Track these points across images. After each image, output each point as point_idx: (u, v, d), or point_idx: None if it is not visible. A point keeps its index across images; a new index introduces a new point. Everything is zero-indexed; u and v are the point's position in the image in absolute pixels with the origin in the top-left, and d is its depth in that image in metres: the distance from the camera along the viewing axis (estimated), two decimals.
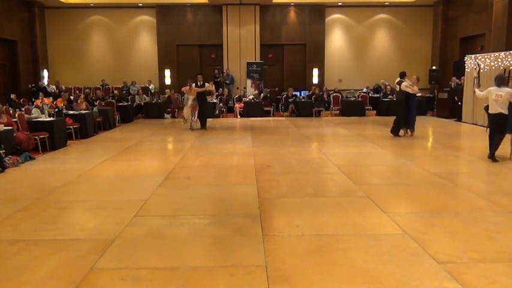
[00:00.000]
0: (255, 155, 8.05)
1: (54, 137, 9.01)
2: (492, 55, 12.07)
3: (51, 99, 13.68)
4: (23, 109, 10.38)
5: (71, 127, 10.31)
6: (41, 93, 14.37)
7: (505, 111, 7.28)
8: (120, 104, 14.58)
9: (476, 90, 8.80)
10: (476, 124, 12.29)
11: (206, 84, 12.55)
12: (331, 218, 4.46)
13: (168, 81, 18.37)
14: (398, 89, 10.23)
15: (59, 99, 12.90)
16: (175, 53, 18.52)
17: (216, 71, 17.88)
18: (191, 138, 10.45)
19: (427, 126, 12.65)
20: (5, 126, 7.85)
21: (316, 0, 18.01)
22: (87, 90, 15.97)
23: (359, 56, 18.96)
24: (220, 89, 17.11)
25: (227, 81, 17.68)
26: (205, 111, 12.24)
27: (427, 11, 18.40)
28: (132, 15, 18.50)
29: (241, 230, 4.12)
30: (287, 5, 18.32)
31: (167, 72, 18.37)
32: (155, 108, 15.73)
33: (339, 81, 18.71)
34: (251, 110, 15.61)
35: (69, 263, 3.44)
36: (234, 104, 16.30)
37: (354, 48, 18.97)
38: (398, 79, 10.38)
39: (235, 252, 3.62)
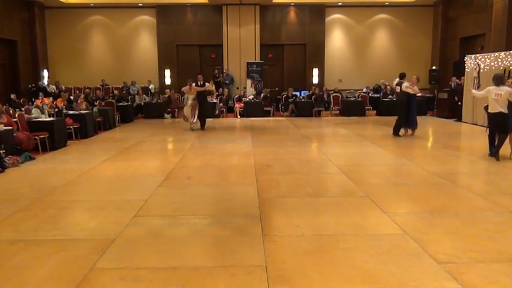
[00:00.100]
0: (255, 155, 8.05)
1: (54, 137, 9.01)
2: (492, 55, 12.07)
3: (51, 99, 13.68)
4: (23, 109, 10.38)
5: (71, 127, 10.31)
6: (41, 93, 14.37)
7: (505, 110, 7.35)
8: (120, 104, 14.58)
9: (473, 90, 8.87)
10: (476, 124, 12.29)
11: (206, 83, 12.54)
12: (331, 218, 4.46)
13: (168, 81, 18.37)
14: (399, 90, 10.26)
15: (59, 99, 12.91)
16: (175, 53, 18.52)
17: (216, 71, 17.87)
18: (191, 138, 10.45)
19: (427, 126, 12.65)
20: (5, 126, 7.85)
21: (316, 0, 18.01)
22: (87, 90, 15.97)
23: (359, 56, 18.96)
24: (220, 89, 17.10)
25: (227, 81, 17.68)
26: (205, 112, 12.21)
27: (427, 11, 18.40)
28: (132, 15, 18.50)
29: (241, 230, 4.12)
30: (287, 5, 18.32)
31: (167, 72, 18.37)
32: (155, 108, 15.73)
33: (339, 81, 18.71)
34: (251, 110, 15.61)
35: (69, 263, 3.44)
36: (234, 104, 16.30)
37: (354, 48, 18.97)
38: (398, 80, 10.47)
39: (235, 252, 3.62)
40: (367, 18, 18.80)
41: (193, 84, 11.84)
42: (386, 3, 18.31)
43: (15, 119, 8.68)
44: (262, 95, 16.51)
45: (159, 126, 13.37)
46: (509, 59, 11.38)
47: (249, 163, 7.32)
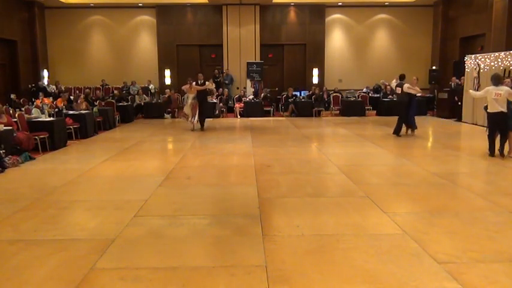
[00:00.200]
0: (255, 155, 8.05)
1: (54, 137, 9.01)
2: (492, 55, 12.07)
3: (51, 99, 13.68)
4: (23, 109, 10.38)
5: (71, 127, 10.32)
6: (41, 93, 14.37)
7: (505, 110, 7.41)
8: (120, 104, 14.58)
9: (470, 91, 8.92)
10: (476, 124, 12.29)
11: (206, 82, 12.49)
12: (331, 218, 4.46)
13: (168, 81, 18.36)
14: (400, 91, 10.33)
15: (59, 99, 12.91)
16: (175, 53, 18.52)
17: (216, 71, 17.86)
18: (191, 138, 10.45)
19: (427, 126, 12.65)
20: (5, 126, 7.85)
21: (316, 0, 18.01)
22: (87, 90, 15.97)
23: (359, 56, 18.96)
24: (220, 89, 17.10)
25: (226, 81, 17.67)
26: (205, 111, 12.18)
27: (427, 11, 18.40)
28: (132, 15, 18.49)
29: (241, 230, 4.12)
30: (287, 5, 18.32)
31: (167, 72, 18.37)
32: (155, 108, 15.74)
33: (339, 81, 18.71)
34: (251, 110, 15.61)
35: (69, 263, 3.44)
36: (234, 104, 16.30)
37: (354, 48, 18.97)
38: (398, 81, 10.60)
39: (235, 252, 3.62)
40: (367, 18, 18.79)
41: (194, 83, 11.79)
42: (386, 3, 18.31)
43: (15, 119, 8.68)
44: (262, 95, 16.49)
45: (159, 126, 13.37)
46: (509, 59, 11.38)
47: (249, 163, 7.32)
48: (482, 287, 3.00)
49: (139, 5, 18.09)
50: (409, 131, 10.46)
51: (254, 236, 3.96)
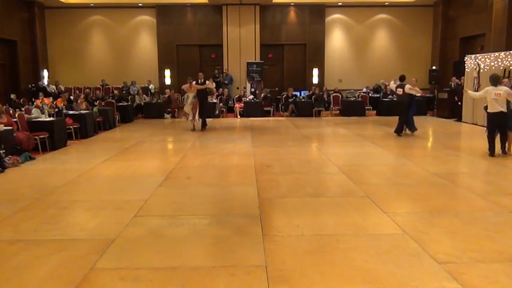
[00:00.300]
0: (255, 155, 8.05)
1: (54, 137, 9.01)
2: (492, 55, 12.07)
3: (51, 99, 13.69)
4: (23, 109, 10.38)
5: (71, 127, 10.31)
6: (41, 93, 14.37)
7: (505, 110, 7.49)
8: (120, 104, 14.58)
9: (469, 91, 8.96)
10: (476, 124, 12.29)
11: (207, 81, 12.45)
12: (331, 218, 4.46)
13: (168, 81, 18.36)
14: (401, 92, 10.40)
15: (59, 99, 12.91)
16: (175, 53, 18.52)
17: (216, 71, 17.86)
18: (191, 138, 10.45)
19: (427, 126, 12.65)
20: (5, 126, 7.85)
21: (316, 0, 18.01)
22: (87, 90, 15.98)
23: (359, 56, 18.96)
24: (220, 89, 17.10)
25: (225, 82, 17.66)
26: (205, 111, 12.14)
27: (427, 11, 18.40)
28: (132, 15, 18.49)
29: (241, 230, 4.12)
30: (287, 5, 18.32)
31: (167, 72, 18.37)
32: (155, 108, 15.74)
33: (339, 81, 18.71)
34: (251, 110, 15.61)
35: (69, 263, 3.44)
36: (234, 104, 16.30)
37: (354, 48, 18.97)
38: (398, 82, 10.69)
39: (235, 252, 3.62)
40: (367, 18, 18.79)
41: (194, 82, 11.75)
42: (386, 3, 18.31)
43: (15, 119, 8.68)
44: (261, 95, 16.48)
45: (159, 126, 13.37)
46: (509, 59, 11.38)
47: (249, 163, 7.32)
48: (482, 287, 3.00)
49: (139, 5, 18.09)
50: (408, 131, 10.55)
51: (254, 236, 3.96)
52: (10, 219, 4.56)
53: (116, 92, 16.23)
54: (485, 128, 8.05)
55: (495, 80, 7.62)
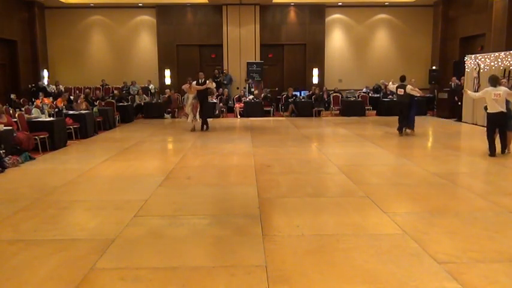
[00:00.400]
0: (255, 155, 8.05)
1: (54, 137, 9.01)
2: (492, 55, 12.07)
3: (51, 99, 13.68)
4: (23, 109, 10.38)
5: (71, 127, 10.32)
6: (41, 93, 14.37)
7: (505, 110, 7.57)
8: (120, 104, 14.58)
9: (469, 92, 9.02)
10: (476, 124, 12.29)
11: (207, 81, 12.39)
12: (331, 218, 4.46)
13: (168, 81, 18.36)
14: (403, 93, 10.47)
15: (59, 99, 12.90)
16: (175, 53, 18.52)
17: (216, 71, 17.86)
18: (191, 138, 10.45)
19: (427, 126, 12.65)
20: (5, 126, 7.85)
21: (316, 0, 18.01)
22: (87, 90, 15.98)
23: (359, 56, 18.96)
24: (221, 89, 17.10)
25: (225, 82, 17.66)
26: (206, 111, 12.10)
27: (427, 11, 18.40)
28: (132, 15, 18.49)
29: (241, 230, 4.12)
30: (287, 5, 18.32)
31: (167, 72, 18.37)
32: (155, 108, 15.74)
33: (339, 81, 18.71)
34: (251, 110, 15.61)
35: (69, 263, 3.44)
36: (234, 104, 16.30)
37: (354, 48, 18.97)
38: (399, 83, 10.78)
39: (235, 252, 3.62)
40: (367, 18, 18.79)
41: (194, 82, 11.70)
42: (386, 3, 18.31)
43: (15, 119, 8.68)
44: (261, 95, 16.48)
45: (159, 126, 13.37)
46: (509, 59, 11.38)
47: (249, 163, 7.32)
48: (482, 287, 3.00)
49: (139, 5, 18.09)
50: (408, 130, 10.65)
51: (254, 236, 3.96)
52: (10, 219, 4.56)
53: (116, 92, 16.22)
54: (485, 128, 8.07)
55: (494, 81, 7.70)
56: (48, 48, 18.30)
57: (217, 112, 15.51)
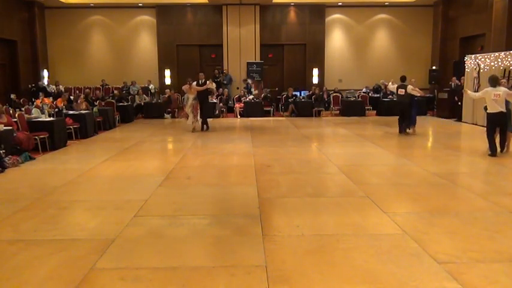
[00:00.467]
0: (255, 155, 8.05)
1: (54, 137, 9.01)
2: (492, 55, 12.07)
3: (51, 99, 13.68)
4: (23, 109, 10.38)
5: (71, 127, 10.32)
6: (41, 93, 14.37)
7: (504, 110, 7.63)
8: (120, 104, 14.58)
9: (469, 92, 9.07)
10: (476, 124, 12.29)
11: (207, 82, 12.37)
12: (331, 218, 4.46)
13: (168, 81, 18.36)
14: (404, 93, 10.53)
15: (59, 99, 12.90)
16: (175, 53, 18.52)
17: (216, 71, 17.86)
18: (191, 138, 10.45)
19: (427, 126, 12.65)
20: (5, 126, 7.85)
21: (316, 0, 18.01)
22: (87, 90, 15.97)
23: (359, 56, 18.95)
24: (221, 89, 17.09)
25: (225, 82, 17.66)
26: (206, 111, 12.08)
27: (427, 11, 18.40)
28: (132, 15, 18.49)
29: (241, 230, 4.12)
30: (287, 5, 18.32)
31: (167, 72, 18.37)
32: (155, 108, 15.74)
33: (339, 81, 18.71)
34: (251, 110, 15.61)
35: (69, 263, 3.44)
36: (234, 104, 16.30)
37: (354, 48, 18.97)
38: (400, 83, 10.85)
39: (235, 252, 3.62)
40: (367, 18, 18.79)
41: (194, 83, 11.68)
42: (386, 3, 18.31)
43: (15, 119, 8.68)
44: (261, 95, 16.48)
45: (159, 126, 13.37)
46: (509, 59, 11.38)
47: (249, 163, 7.32)
48: (482, 287, 3.00)
49: (139, 5, 18.09)
50: (410, 130, 10.74)
51: (254, 236, 3.96)
52: (10, 219, 4.56)
53: (116, 92, 16.23)
54: (485, 128, 8.10)
55: (494, 81, 7.74)
56: (48, 48, 18.30)
57: (217, 112, 15.51)
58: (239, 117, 15.59)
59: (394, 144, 9.38)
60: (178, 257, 3.55)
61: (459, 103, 13.32)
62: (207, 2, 17.68)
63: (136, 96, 16.44)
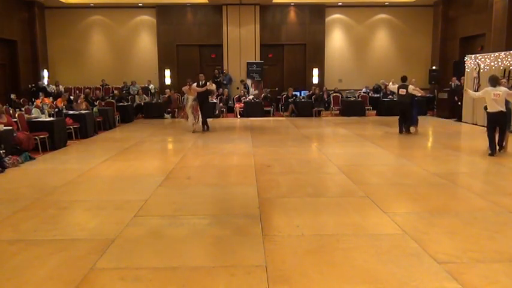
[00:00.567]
0: (255, 155, 8.05)
1: (54, 137, 9.01)
2: (492, 55, 12.07)
3: (51, 99, 13.68)
4: (23, 109, 10.38)
5: (71, 127, 10.32)
6: (41, 93, 14.37)
7: (504, 109, 7.68)
8: (120, 104, 14.58)
9: (470, 91, 9.11)
10: (476, 124, 12.29)
11: (207, 83, 12.36)
12: (331, 218, 4.46)
13: (168, 81, 18.36)
14: (405, 93, 10.58)
15: (59, 99, 12.90)
16: (175, 53, 18.52)
17: (216, 71, 17.86)
18: (191, 138, 10.45)
19: (427, 126, 12.64)
20: (5, 126, 7.85)
21: (316, 0, 18.01)
22: (87, 90, 15.97)
23: (359, 56, 18.95)
24: (221, 89, 17.10)
25: (225, 82, 17.66)
26: (206, 112, 12.06)
27: (427, 11, 18.40)
28: (132, 15, 18.49)
29: (241, 230, 4.12)
30: (287, 5, 18.32)
31: (167, 72, 18.37)
32: (155, 108, 15.74)
33: (339, 81, 18.71)
34: (251, 110, 15.61)
35: (69, 263, 3.44)
36: (234, 104, 16.30)
37: (354, 48, 18.97)
38: (400, 83, 10.90)
39: (235, 252, 3.62)
40: (367, 18, 18.79)
41: (194, 84, 11.68)
42: (386, 3, 18.31)
43: (15, 119, 8.68)
44: (261, 95, 16.48)
45: (159, 126, 13.37)
46: (509, 59, 11.37)
47: (249, 163, 7.32)
48: (482, 287, 3.00)
49: (139, 5, 18.09)
50: (413, 129, 10.81)
51: (254, 236, 3.96)
52: (10, 219, 4.56)
53: (116, 92, 16.23)
54: (485, 128, 8.12)
55: (494, 81, 7.78)
56: (48, 48, 18.30)
57: (217, 112, 15.51)
58: (239, 117, 15.59)
59: (394, 144, 9.38)
60: (178, 257, 3.55)
61: (459, 103, 13.32)
62: (207, 2, 17.68)
63: (136, 96, 16.44)
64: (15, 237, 4.06)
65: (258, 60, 17.80)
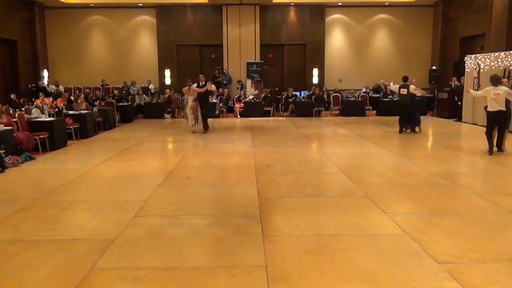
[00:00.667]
0: (255, 155, 8.05)
1: (54, 137, 9.01)
2: (492, 55, 12.07)
3: (51, 99, 13.68)
4: (23, 109, 10.38)
5: (71, 127, 10.32)
6: (41, 93, 14.37)
7: (504, 108, 7.73)
8: (120, 104, 14.58)
9: (471, 90, 9.17)
10: (476, 124, 12.29)
11: (207, 83, 12.34)
12: (331, 218, 4.46)
13: (168, 81, 18.36)
14: (406, 92, 10.64)
15: (59, 99, 12.90)
16: (175, 53, 18.52)
17: (216, 71, 17.86)
18: (191, 138, 10.45)
19: (427, 126, 12.63)
20: (5, 126, 7.85)
21: (316, 0, 18.01)
22: (87, 90, 15.97)
23: (359, 56, 18.95)
24: (221, 89, 17.09)
25: (225, 82, 17.66)
26: (206, 112, 12.04)
27: (427, 11, 18.40)
28: (132, 15, 18.49)
29: (241, 230, 4.12)
30: (287, 5, 18.32)
31: (167, 72, 18.37)
32: (155, 108, 15.74)
33: (339, 81, 18.71)
34: (251, 110, 15.61)
35: (69, 263, 3.44)
36: (234, 104, 16.30)
37: (354, 48, 18.97)
38: (402, 83, 10.98)
39: (235, 252, 3.62)
40: (367, 18, 18.79)
41: (194, 85, 11.66)
42: (386, 3, 18.31)
43: (15, 119, 8.68)
44: (261, 95, 16.48)
45: (159, 126, 13.36)
46: (509, 59, 11.38)
47: (249, 163, 7.32)
48: (482, 287, 3.00)
49: (139, 5, 18.09)
50: (416, 129, 10.92)
51: (254, 236, 3.96)
52: (10, 219, 4.56)
53: (116, 92, 16.23)
54: (485, 127, 8.14)
55: (495, 80, 7.82)
56: (48, 48, 18.30)
57: (217, 112, 15.51)
58: (239, 117, 15.59)
59: (394, 144, 9.38)
60: (178, 257, 3.55)
61: (459, 103, 13.32)
62: (207, 2, 17.68)
63: (136, 96, 16.44)
64: (15, 237, 4.06)
65: (258, 60, 17.80)
